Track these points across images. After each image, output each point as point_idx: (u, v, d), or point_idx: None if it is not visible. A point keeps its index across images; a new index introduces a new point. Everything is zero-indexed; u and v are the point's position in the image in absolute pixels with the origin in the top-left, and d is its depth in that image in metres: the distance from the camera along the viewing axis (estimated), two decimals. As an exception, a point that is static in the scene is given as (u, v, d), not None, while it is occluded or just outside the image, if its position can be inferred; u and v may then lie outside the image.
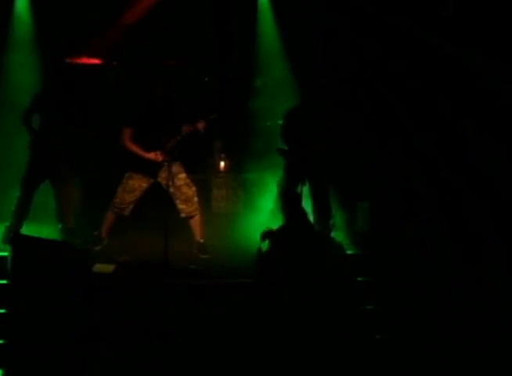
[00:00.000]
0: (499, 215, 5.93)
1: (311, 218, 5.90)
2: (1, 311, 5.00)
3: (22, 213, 6.25)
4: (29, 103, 6.23)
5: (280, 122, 6.64)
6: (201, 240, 6.19)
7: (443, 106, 6.38)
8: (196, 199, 6.15)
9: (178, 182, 6.06)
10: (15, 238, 5.37)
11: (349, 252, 6.01)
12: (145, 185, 6.08)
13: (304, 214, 5.30)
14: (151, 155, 5.92)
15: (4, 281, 5.27)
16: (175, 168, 6.05)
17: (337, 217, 6.68)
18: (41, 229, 6.18)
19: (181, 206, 6.08)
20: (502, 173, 6.05)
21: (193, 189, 6.16)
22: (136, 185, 6.05)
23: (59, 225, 6.41)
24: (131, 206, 6.08)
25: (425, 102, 6.51)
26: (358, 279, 5.57)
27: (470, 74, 6.23)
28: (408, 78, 6.59)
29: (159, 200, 5.95)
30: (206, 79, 6.75)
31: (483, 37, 6.17)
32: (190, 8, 7.43)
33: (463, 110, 6.23)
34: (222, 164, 7.62)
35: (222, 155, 7.66)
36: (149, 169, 6.02)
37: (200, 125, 5.93)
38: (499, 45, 6.10)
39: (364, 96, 6.95)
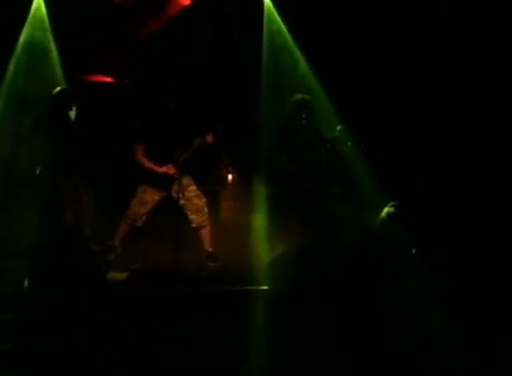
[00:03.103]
0: (499, 215, 5.95)
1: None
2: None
3: None
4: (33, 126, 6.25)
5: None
6: (210, 249, 6.35)
7: (442, 104, 6.38)
8: (206, 209, 6.32)
9: (189, 194, 6.24)
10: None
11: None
12: (157, 197, 6.25)
13: None
14: (164, 169, 6.13)
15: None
16: (185, 180, 6.22)
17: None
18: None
19: (192, 216, 6.25)
20: (502, 173, 6.08)
21: (203, 200, 6.34)
22: (149, 198, 6.23)
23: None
24: (143, 217, 6.25)
25: (425, 100, 6.49)
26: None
27: (469, 72, 6.22)
28: (407, 77, 6.54)
29: (170, 211, 6.14)
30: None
31: (483, 35, 6.19)
32: (193, 22, 7.46)
33: (463, 109, 6.22)
34: (230, 176, 7.74)
35: (230, 168, 7.78)
36: (162, 183, 6.19)
37: (209, 138, 6.14)
38: (499, 43, 6.14)
39: (364, 95, 6.87)
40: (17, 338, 5.00)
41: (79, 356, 4.82)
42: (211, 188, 7.35)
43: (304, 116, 6.28)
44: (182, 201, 6.17)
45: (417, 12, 6.54)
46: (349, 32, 6.92)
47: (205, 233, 6.36)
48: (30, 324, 5.00)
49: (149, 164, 6.16)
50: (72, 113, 6.23)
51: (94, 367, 4.79)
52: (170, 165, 6.12)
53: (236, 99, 7.77)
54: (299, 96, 6.41)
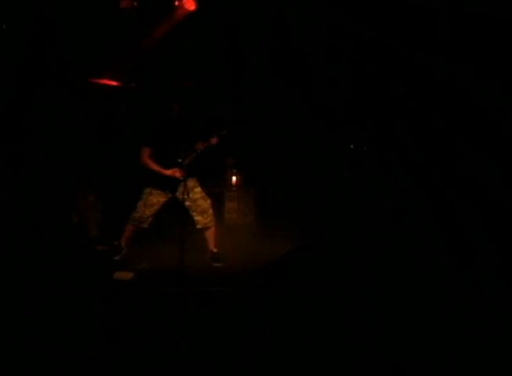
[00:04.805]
0: (499, 217, 5.94)
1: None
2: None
3: None
4: None
5: None
6: (214, 250, 6.46)
7: (441, 123, 6.40)
8: (211, 211, 6.42)
9: (195, 196, 6.34)
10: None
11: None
12: (163, 199, 6.35)
13: None
14: (169, 172, 6.23)
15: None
16: (191, 182, 6.33)
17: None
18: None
19: (197, 218, 6.36)
20: (502, 178, 6.04)
21: (209, 201, 6.43)
22: (155, 200, 6.32)
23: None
24: (149, 219, 6.35)
25: (423, 118, 6.51)
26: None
27: (467, 93, 6.21)
28: (406, 97, 6.57)
29: (175, 212, 6.25)
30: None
31: (480, 56, 6.15)
32: (202, 31, 7.54)
33: (461, 128, 6.24)
34: (234, 178, 7.86)
35: (234, 170, 7.92)
36: (167, 185, 6.30)
37: (213, 141, 6.27)
38: (497, 64, 6.10)
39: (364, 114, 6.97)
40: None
41: (82, 356, 4.75)
42: (216, 190, 7.49)
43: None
44: (187, 203, 6.28)
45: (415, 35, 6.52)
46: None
47: (210, 234, 6.48)
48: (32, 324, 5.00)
49: (155, 167, 6.26)
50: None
51: (97, 367, 4.67)
52: (176, 169, 6.21)
53: (240, 101, 7.88)
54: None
